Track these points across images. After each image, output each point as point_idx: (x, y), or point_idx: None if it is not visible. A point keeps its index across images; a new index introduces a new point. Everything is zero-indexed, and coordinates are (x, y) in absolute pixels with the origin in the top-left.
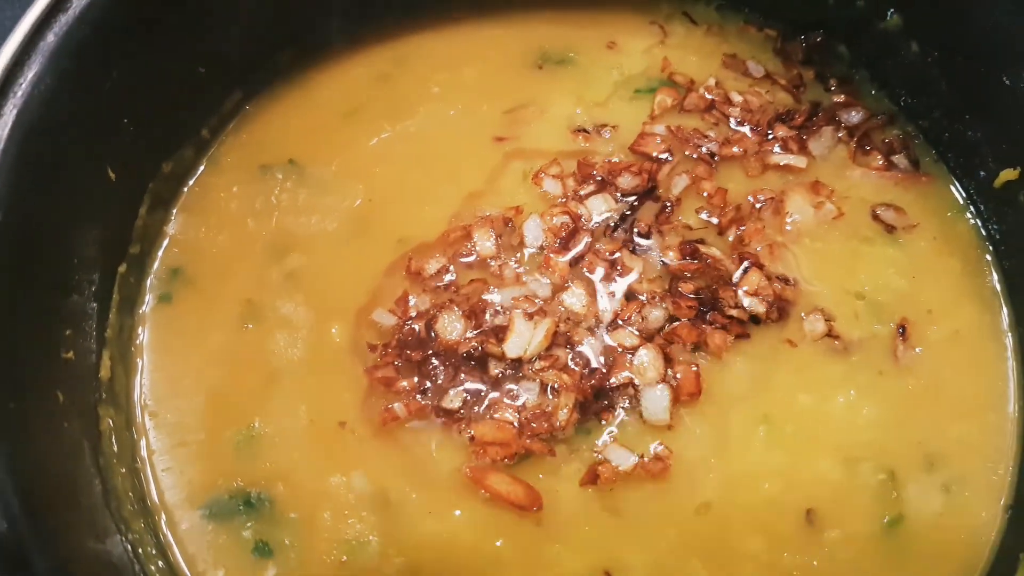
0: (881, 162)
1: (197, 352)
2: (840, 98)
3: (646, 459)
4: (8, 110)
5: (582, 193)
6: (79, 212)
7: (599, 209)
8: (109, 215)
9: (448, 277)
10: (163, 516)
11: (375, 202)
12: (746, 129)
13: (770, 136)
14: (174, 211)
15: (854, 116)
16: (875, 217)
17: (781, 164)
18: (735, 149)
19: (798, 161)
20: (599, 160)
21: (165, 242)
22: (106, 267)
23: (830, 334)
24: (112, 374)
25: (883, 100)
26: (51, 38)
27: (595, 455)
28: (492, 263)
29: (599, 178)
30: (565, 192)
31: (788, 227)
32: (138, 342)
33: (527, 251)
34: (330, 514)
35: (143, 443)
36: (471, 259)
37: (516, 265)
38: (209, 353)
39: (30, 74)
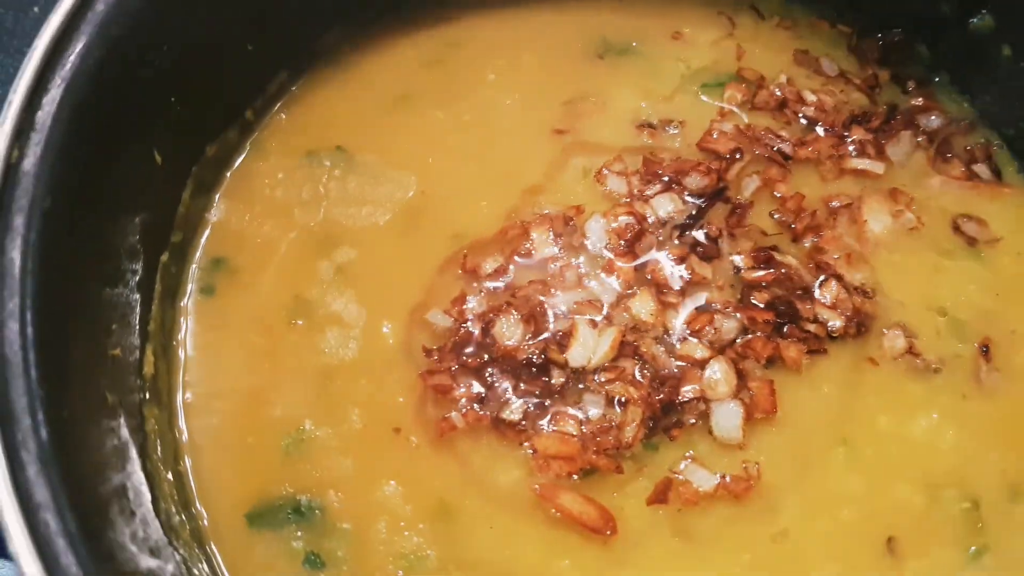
0: (962, 170)
1: (242, 348)
2: (918, 101)
3: (727, 479)
4: (56, 84)
5: (648, 193)
6: (126, 197)
7: (666, 210)
8: (154, 200)
9: (505, 277)
10: (208, 524)
11: (428, 194)
12: (820, 130)
13: (846, 139)
14: (217, 197)
15: (934, 121)
16: (956, 229)
17: (858, 168)
18: (809, 150)
19: (875, 166)
20: (666, 157)
21: (208, 230)
22: (149, 256)
23: (911, 352)
24: (155, 370)
25: (964, 105)
26: (100, 6)
27: (672, 474)
28: (552, 265)
29: (665, 177)
30: (630, 191)
31: (866, 236)
32: (180, 336)
33: (589, 253)
34: (385, 525)
35: (186, 445)
36: (530, 260)
37: (578, 267)
38: (255, 350)
39: (79, 45)
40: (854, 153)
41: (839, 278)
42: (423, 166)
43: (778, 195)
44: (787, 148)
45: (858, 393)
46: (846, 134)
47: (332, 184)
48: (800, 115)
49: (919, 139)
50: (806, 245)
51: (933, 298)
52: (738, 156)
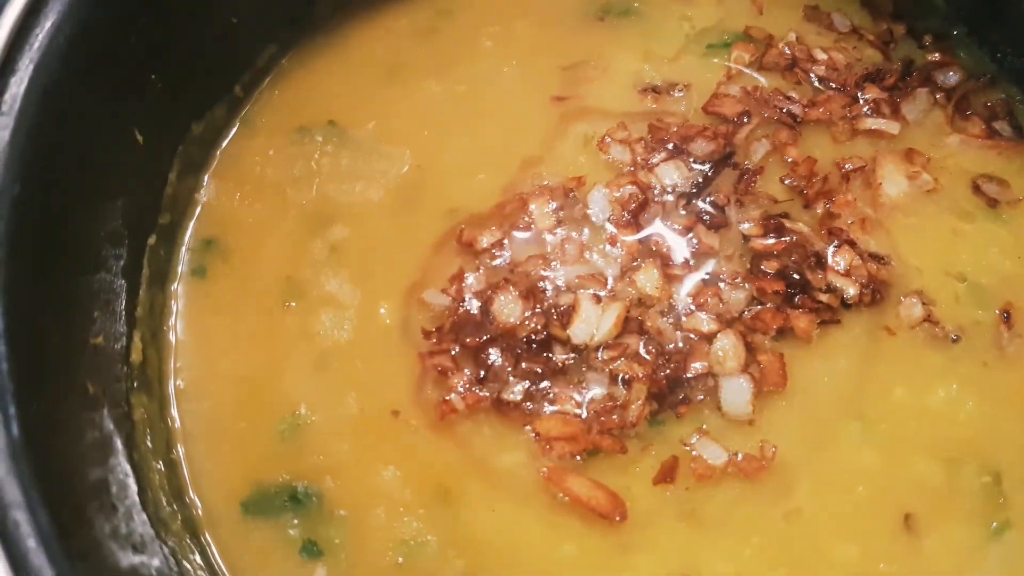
0: (982, 128)
1: (235, 331)
2: (935, 56)
3: (739, 456)
4: (24, 65)
5: (652, 161)
6: (105, 180)
7: (671, 178)
8: (137, 182)
9: (503, 252)
10: (201, 513)
11: (423, 169)
12: (831, 89)
13: (859, 98)
14: (206, 177)
15: (951, 77)
16: (976, 190)
17: (872, 129)
18: (820, 111)
19: (890, 126)
20: (672, 123)
21: (197, 211)
22: (134, 240)
23: (929, 320)
24: (144, 357)
25: (983, 60)
26: None
27: (683, 446)
28: (552, 238)
29: (670, 144)
30: (633, 159)
31: (881, 200)
32: (171, 321)
33: (592, 225)
34: (384, 511)
35: (179, 433)
36: (529, 234)
37: (580, 240)
38: (248, 333)
39: (47, 23)
40: (868, 113)
41: (852, 244)
42: (418, 139)
43: (789, 160)
44: (797, 110)
45: (873, 364)
46: (859, 93)
47: (324, 160)
48: (811, 74)
49: (936, 96)
50: (818, 211)
51: (952, 263)
52: (746, 120)
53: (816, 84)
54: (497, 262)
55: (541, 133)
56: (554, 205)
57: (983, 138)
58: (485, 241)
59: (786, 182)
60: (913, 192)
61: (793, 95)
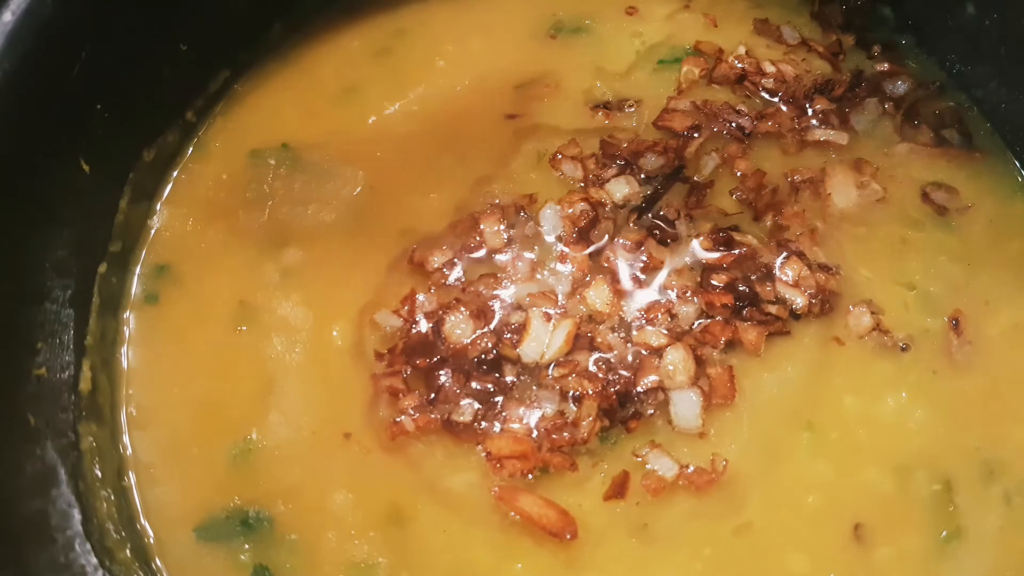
0: (930, 137)
1: (187, 357)
2: (884, 66)
3: (690, 469)
4: None
5: (603, 176)
6: (49, 211)
7: (621, 193)
8: (85, 212)
9: (455, 272)
10: (152, 540)
11: (376, 189)
12: (780, 102)
13: (808, 109)
14: (158, 204)
15: (900, 86)
16: (925, 198)
17: (820, 140)
18: (770, 124)
19: (839, 137)
20: (623, 138)
21: (150, 237)
22: (83, 269)
23: (878, 329)
24: (94, 386)
25: (932, 68)
26: (8, 16)
27: (634, 457)
28: (503, 257)
29: (620, 160)
30: (585, 176)
31: (830, 210)
32: (123, 348)
33: (544, 243)
34: (335, 534)
35: (130, 460)
36: (480, 253)
37: (531, 258)
38: (200, 358)
39: None
40: (817, 124)
41: (801, 255)
42: (371, 160)
43: (738, 173)
44: (746, 123)
45: (823, 374)
46: (808, 104)
47: (278, 183)
48: (760, 87)
49: (886, 106)
50: (767, 223)
51: (901, 272)
52: (695, 134)
53: (766, 96)
54: (448, 282)
55: (494, 151)
56: (505, 224)
57: (932, 146)
58: (436, 261)
59: (735, 195)
60: (862, 202)
61: (742, 108)
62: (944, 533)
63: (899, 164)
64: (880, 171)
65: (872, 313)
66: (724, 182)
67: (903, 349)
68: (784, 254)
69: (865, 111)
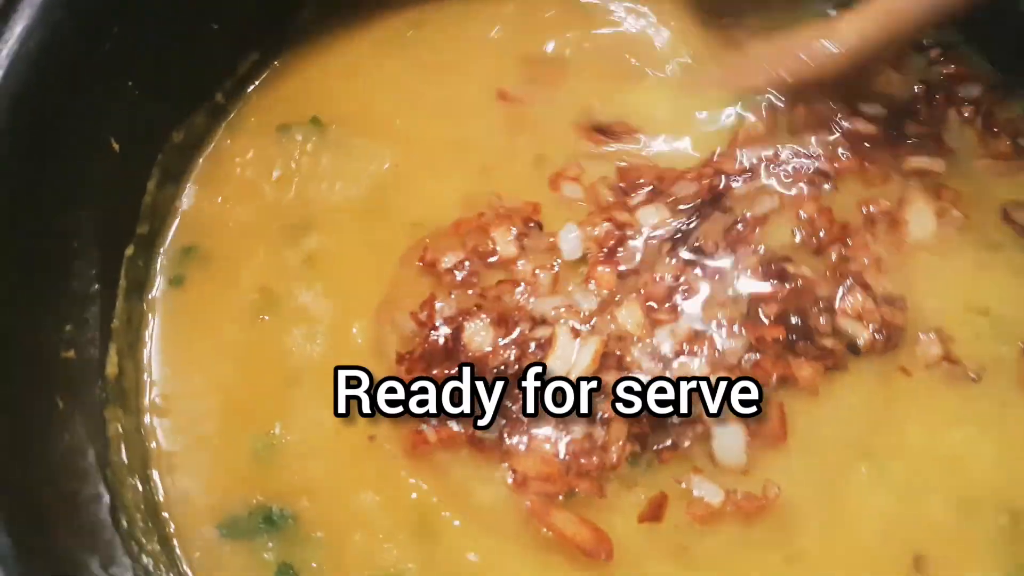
0: (1008, 146)
1: (211, 344)
2: (950, 68)
3: (738, 495)
4: None
5: (633, 203)
6: (79, 190)
7: (650, 221)
8: (114, 192)
9: (469, 275)
10: (175, 532)
11: (400, 170)
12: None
13: (903, 135)
14: (187, 185)
15: (973, 89)
16: (1005, 217)
17: (917, 169)
18: (857, 162)
19: (934, 164)
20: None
21: (177, 219)
22: (110, 250)
23: (947, 358)
24: (120, 370)
25: (989, 68)
26: None
27: (677, 484)
28: (518, 266)
29: (643, 182)
30: (596, 197)
31: (907, 240)
32: (148, 332)
33: (564, 259)
34: (362, 536)
35: (153, 450)
36: (494, 259)
37: (552, 271)
38: (224, 346)
39: (18, 28)
40: (911, 151)
41: (866, 287)
42: (398, 140)
43: (803, 215)
44: (825, 166)
45: (886, 405)
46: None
47: (304, 159)
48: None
49: (965, 114)
50: (831, 256)
51: (974, 297)
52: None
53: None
54: (466, 287)
55: (497, 140)
56: (516, 231)
57: (1011, 159)
58: (448, 263)
59: (796, 232)
60: (940, 231)
61: (819, 151)
62: (1011, 568)
63: (979, 182)
64: (961, 196)
65: (941, 341)
66: (781, 217)
67: (973, 380)
68: (846, 285)
69: (950, 125)
